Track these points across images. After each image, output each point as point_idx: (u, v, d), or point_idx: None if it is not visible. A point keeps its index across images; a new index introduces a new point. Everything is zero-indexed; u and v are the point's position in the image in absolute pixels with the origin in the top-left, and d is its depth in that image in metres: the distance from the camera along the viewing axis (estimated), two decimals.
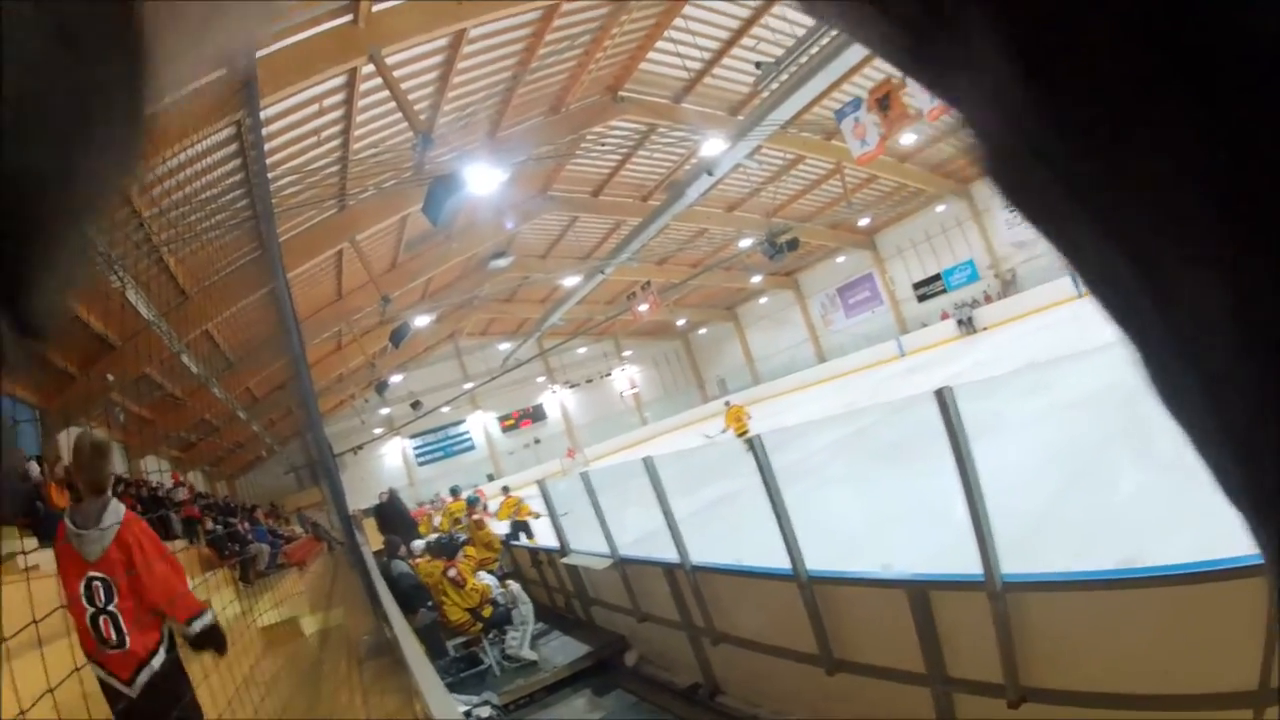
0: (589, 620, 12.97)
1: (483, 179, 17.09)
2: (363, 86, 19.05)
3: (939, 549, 5.89)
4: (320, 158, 21.21)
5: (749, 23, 25.52)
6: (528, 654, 11.82)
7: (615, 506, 10.94)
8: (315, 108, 19.04)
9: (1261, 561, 0.34)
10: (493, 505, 23.82)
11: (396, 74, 18.17)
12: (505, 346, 53.98)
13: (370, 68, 17.38)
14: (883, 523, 9.48)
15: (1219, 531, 3.63)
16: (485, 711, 9.94)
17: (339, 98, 19.34)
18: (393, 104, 18.49)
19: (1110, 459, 9.43)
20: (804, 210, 43.34)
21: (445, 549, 13.73)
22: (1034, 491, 8.54)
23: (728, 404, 27.41)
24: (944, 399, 4.98)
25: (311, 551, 22.84)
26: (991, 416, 10.52)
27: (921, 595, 5.70)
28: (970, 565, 5.17)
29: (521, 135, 25.89)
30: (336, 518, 20.51)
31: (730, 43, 26.41)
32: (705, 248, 45.81)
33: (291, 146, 19.73)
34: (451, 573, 12.10)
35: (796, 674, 7.38)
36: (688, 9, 24.62)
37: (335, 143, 21.15)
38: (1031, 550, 5.87)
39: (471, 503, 19.79)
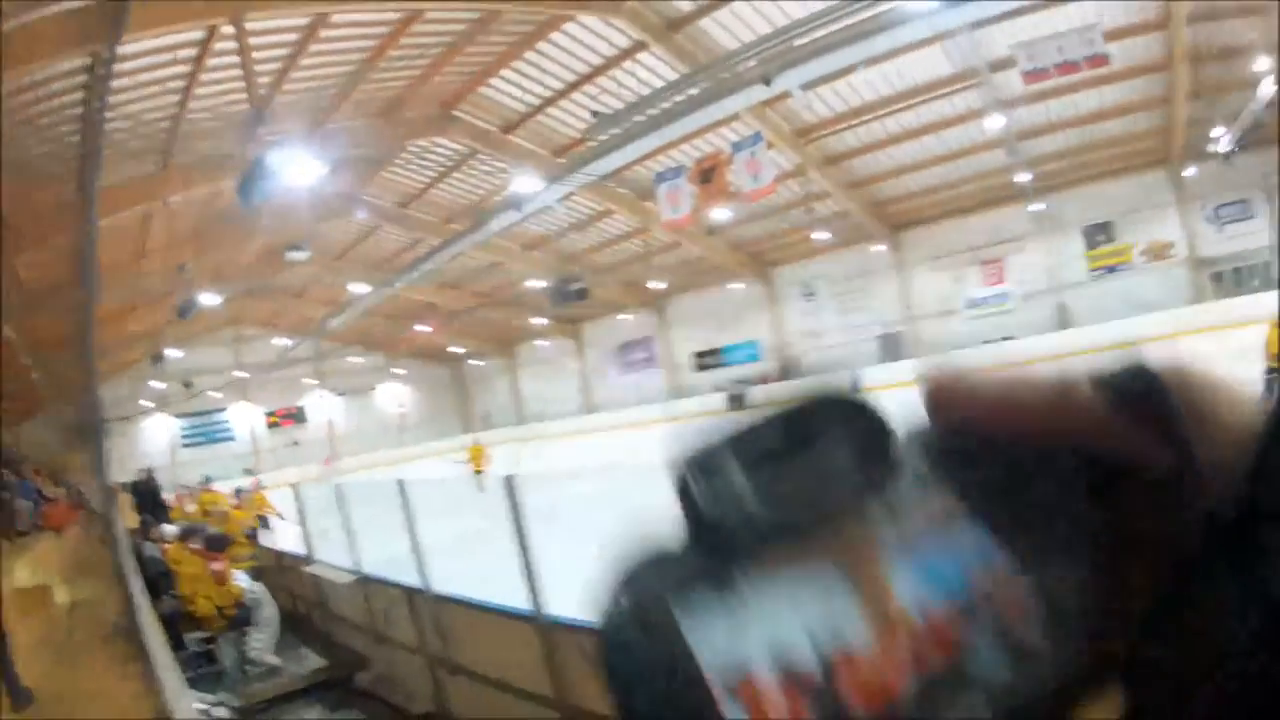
0: (328, 633, 12.77)
1: (301, 168, 17.00)
2: (218, 45, 18.70)
3: None
4: (156, 110, 20.67)
5: (598, 71, 26.12)
6: (270, 659, 11.55)
7: (365, 523, 10.96)
8: (170, 56, 18.60)
9: None
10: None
11: (253, 41, 18.17)
12: (284, 342, 52.29)
13: (230, 29, 17.29)
14: None
15: None
16: (222, 713, 9.74)
17: (192, 52, 18.91)
18: (239, 72, 18.28)
19: None
20: (600, 263, 44.00)
21: (213, 541, 13.36)
22: None
23: (476, 440, 27.63)
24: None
25: (70, 518, 21.71)
26: None
27: None
28: None
29: (349, 132, 25.77)
30: (98, 486, 19.69)
31: (573, 86, 26.95)
32: (496, 281, 46.09)
33: (132, 91, 19.08)
34: (217, 566, 11.57)
35: (532, 716, 7.44)
36: (543, 44, 25.11)
37: (175, 98, 20.63)
38: None
39: (238, 494, 19.47)
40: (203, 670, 11.38)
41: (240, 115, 20.13)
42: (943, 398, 0.47)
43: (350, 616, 11.50)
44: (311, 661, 11.80)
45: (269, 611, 11.86)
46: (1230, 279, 36.39)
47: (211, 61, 19.37)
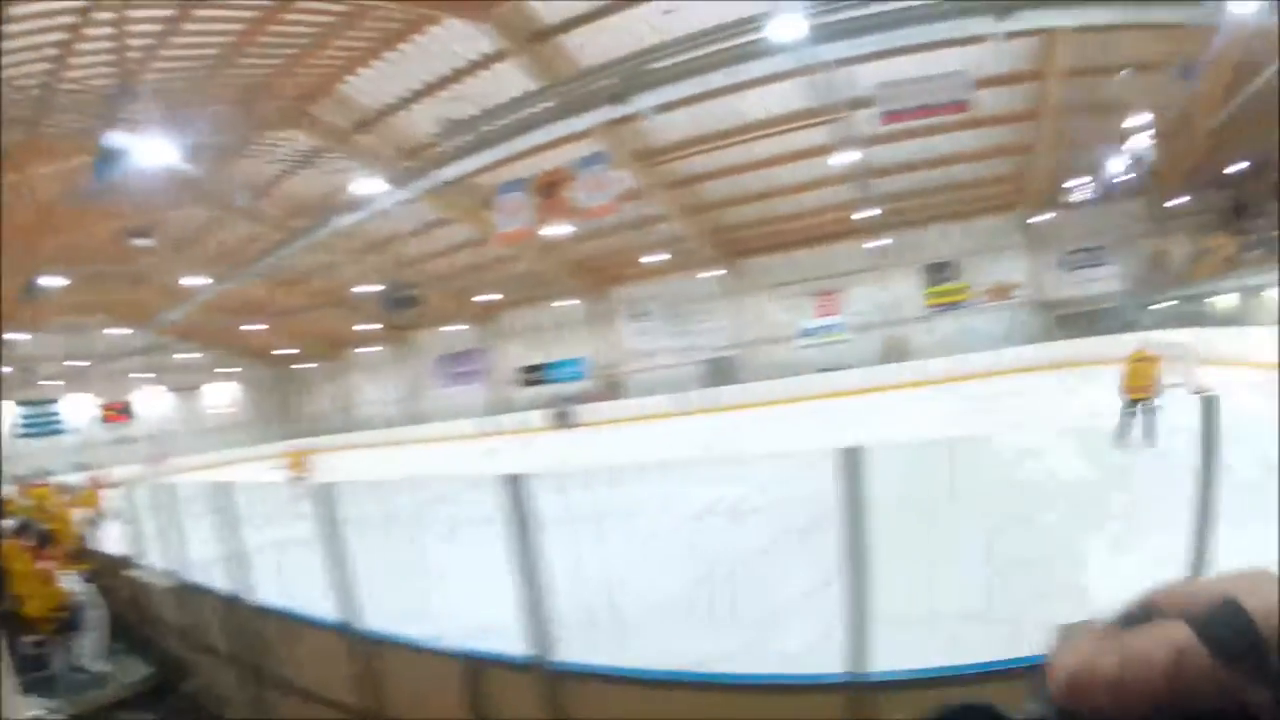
0: (153, 639, 12.00)
1: (156, 150, 16.51)
2: (100, 15, 17.88)
3: (492, 626, 5.71)
4: (31, 76, 19.71)
5: (455, 77, 25.52)
6: (100, 665, 10.78)
7: (190, 526, 10.45)
8: (49, 20, 17.87)
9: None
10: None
11: (130, 13, 17.47)
12: (121, 332, 49.98)
13: None
14: (440, 592, 9.27)
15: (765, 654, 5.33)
16: None
17: (71, 19, 18.08)
18: (114, 43, 17.03)
19: (675, 563, 10.20)
20: (435, 271, 43.62)
21: (42, 538, 12.20)
22: (591, 586, 8.35)
23: (299, 448, 26.67)
24: (517, 485, 5.13)
25: None
26: (563, 509, 10.61)
27: (475, 670, 5.72)
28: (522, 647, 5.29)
29: (206, 119, 24.25)
30: None
31: (429, 89, 26.28)
32: (331, 282, 44.91)
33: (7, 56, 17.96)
34: (43, 565, 10.86)
35: None
36: (406, 45, 24.43)
37: (49, 66, 19.69)
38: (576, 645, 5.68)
39: (65, 490, 18.22)
40: (34, 675, 10.50)
41: (108, 90, 18.85)
42: (1074, 690, 0.55)
43: (175, 622, 11.03)
44: (138, 670, 11.03)
45: (97, 615, 11.14)
46: (1077, 321, 37.99)
47: (89, 30, 18.55)
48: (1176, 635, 0.53)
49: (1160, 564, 5.16)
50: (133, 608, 12.64)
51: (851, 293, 42.09)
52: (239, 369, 61.67)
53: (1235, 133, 28.30)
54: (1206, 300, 32.16)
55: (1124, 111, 26.21)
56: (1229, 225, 33.87)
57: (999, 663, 4.13)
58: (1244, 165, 31.86)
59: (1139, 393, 14.98)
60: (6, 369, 46.45)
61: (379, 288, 36.30)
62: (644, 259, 39.99)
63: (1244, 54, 22.62)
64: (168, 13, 19.36)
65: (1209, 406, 3.97)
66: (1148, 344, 16.38)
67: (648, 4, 22.26)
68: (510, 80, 24.63)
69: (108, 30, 17.86)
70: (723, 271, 43.11)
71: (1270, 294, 26.40)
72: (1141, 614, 0.59)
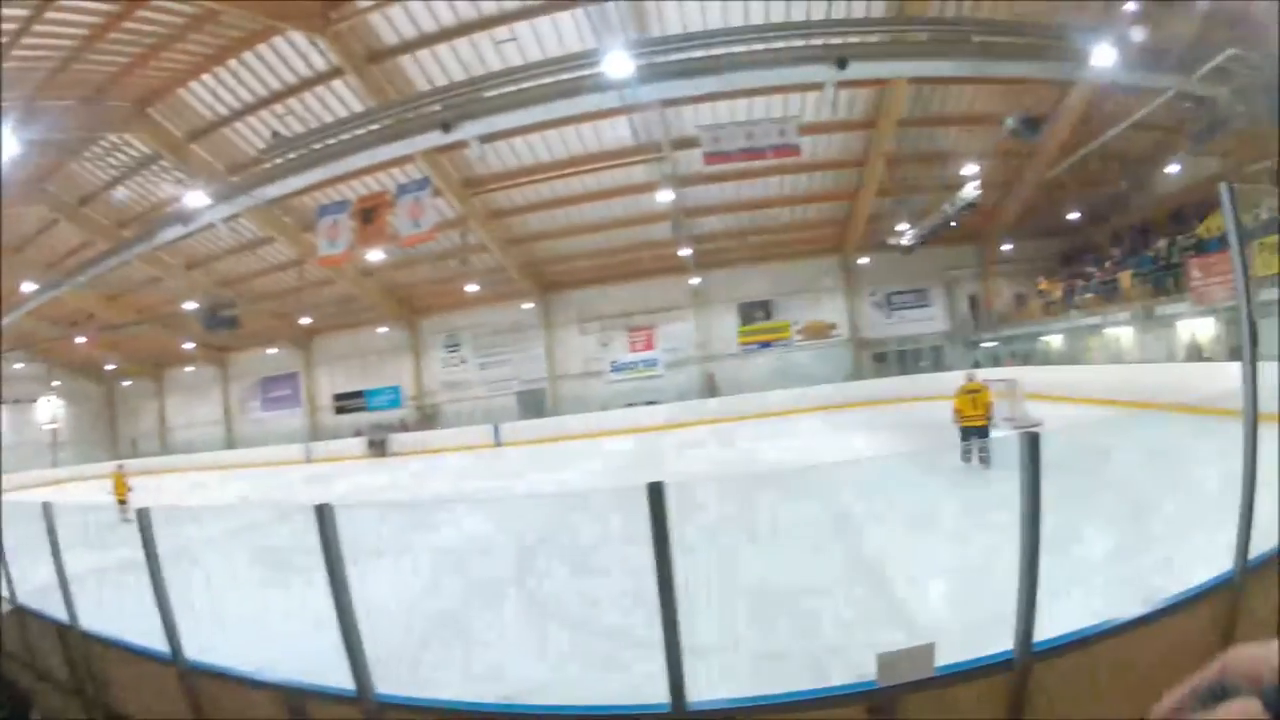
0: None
1: (5, 142, 16.04)
2: None
3: (321, 658, 5.40)
4: None
5: (290, 91, 25.33)
6: None
7: (19, 548, 9.89)
8: None
9: None
10: None
11: None
12: None
13: None
14: (261, 623, 9.14)
15: (601, 680, 5.67)
16: None
17: None
18: None
19: (492, 602, 9.91)
20: (254, 291, 42.77)
21: None
22: (414, 619, 8.72)
23: (120, 467, 25.76)
24: (324, 515, 4.97)
25: None
26: (379, 539, 10.79)
27: (298, 701, 5.56)
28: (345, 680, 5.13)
29: (50, 113, 23.84)
30: None
31: (264, 103, 26.01)
32: (154, 297, 43.56)
33: None
34: None
35: None
36: (247, 55, 24.20)
37: None
38: (403, 677, 5.80)
39: None
40: None
41: None
42: None
43: (15, 651, 10.28)
44: None
45: None
46: (895, 360, 39.82)
47: None
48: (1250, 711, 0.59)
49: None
50: None
51: (666, 329, 42.65)
52: (61, 383, 59.11)
53: (1071, 185, 29.50)
54: (1040, 340, 33.55)
55: (954, 160, 26.99)
56: (1056, 271, 35.25)
57: (812, 691, 4.29)
58: (1076, 215, 33.13)
59: (971, 420, 15.90)
60: None
61: (199, 305, 35.34)
62: (459, 288, 39.67)
63: (1089, 109, 23.67)
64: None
65: (1031, 442, 4.02)
66: (973, 377, 16.98)
67: (484, 32, 22.41)
68: (345, 98, 24.90)
69: None
70: (536, 304, 43.46)
71: (1110, 334, 27.94)
72: (1216, 688, 0.67)
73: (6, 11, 18.62)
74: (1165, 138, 24.13)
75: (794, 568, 9.01)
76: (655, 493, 4.07)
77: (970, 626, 5.20)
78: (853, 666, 4.39)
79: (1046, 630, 4.12)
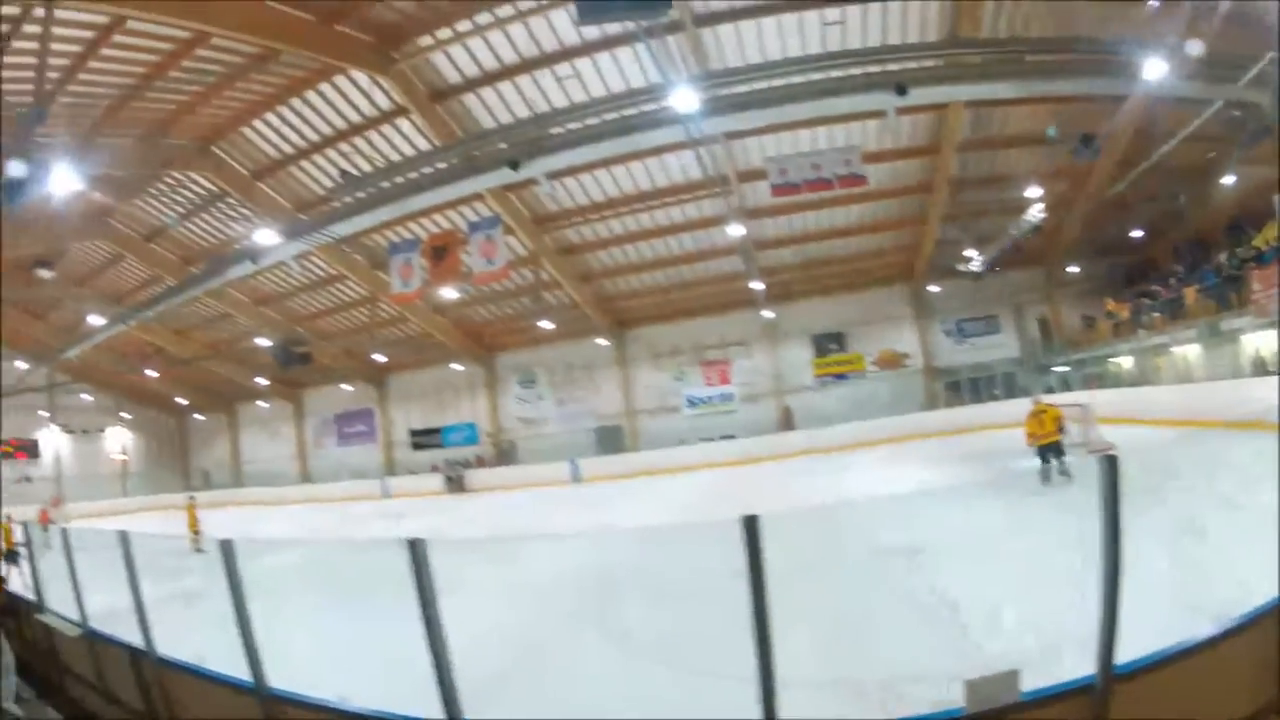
0: (61, 686, 11.41)
1: (64, 178, 15.90)
2: (27, 28, 17.53)
3: (400, 691, 5.51)
4: None
5: (355, 130, 25.48)
6: (12, 708, 10.30)
7: (91, 573, 10.01)
8: None
9: None
10: None
11: (56, 30, 16.85)
12: (20, 365, 48.46)
13: (41, 11, 15.94)
14: (342, 653, 9.31)
15: (682, 713, 5.63)
16: None
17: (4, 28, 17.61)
18: (35, 59, 16.63)
19: (576, 639, 9.84)
20: (328, 328, 43.38)
21: None
22: (496, 652, 8.67)
23: (192, 498, 26.12)
24: (416, 550, 4.96)
25: None
26: (461, 573, 10.63)
27: None
28: (430, 711, 5.08)
29: (112, 150, 24.36)
30: None
31: (329, 141, 26.28)
32: (225, 333, 44.34)
33: None
34: None
35: None
36: (310, 94, 24.42)
37: None
38: (488, 708, 5.64)
39: None
40: None
41: (23, 109, 18.32)
42: None
43: (82, 672, 10.51)
44: (49, 715, 10.52)
45: (7, 659, 10.58)
46: (967, 388, 38.75)
47: (17, 43, 18.08)
48: None
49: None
50: (38, 653, 12.40)
51: (741, 363, 42.32)
52: (132, 415, 59.81)
53: (1131, 201, 29.09)
54: (1110, 362, 32.99)
55: (1017, 183, 26.75)
56: (1122, 291, 34.67)
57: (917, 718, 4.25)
58: (1138, 233, 32.65)
59: (1044, 439, 16.45)
60: None
61: (272, 342, 35.69)
62: (533, 325, 39.63)
63: (1142, 125, 23.36)
64: (87, 34, 19.20)
65: (1109, 466, 4.00)
66: (1039, 401, 17.61)
67: (546, 68, 22.56)
68: (411, 137, 25.02)
69: (32, 44, 17.31)
70: (611, 340, 43.24)
71: (1178, 352, 27.44)
72: None
73: (60, 46, 18.84)
74: (1215, 148, 23.72)
75: (870, 599, 9.07)
76: (750, 526, 4.08)
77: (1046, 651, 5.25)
78: (930, 695, 4.40)
79: (1124, 653, 4.08)
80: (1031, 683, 4.06)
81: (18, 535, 17.96)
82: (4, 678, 10.32)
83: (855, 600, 8.98)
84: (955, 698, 4.00)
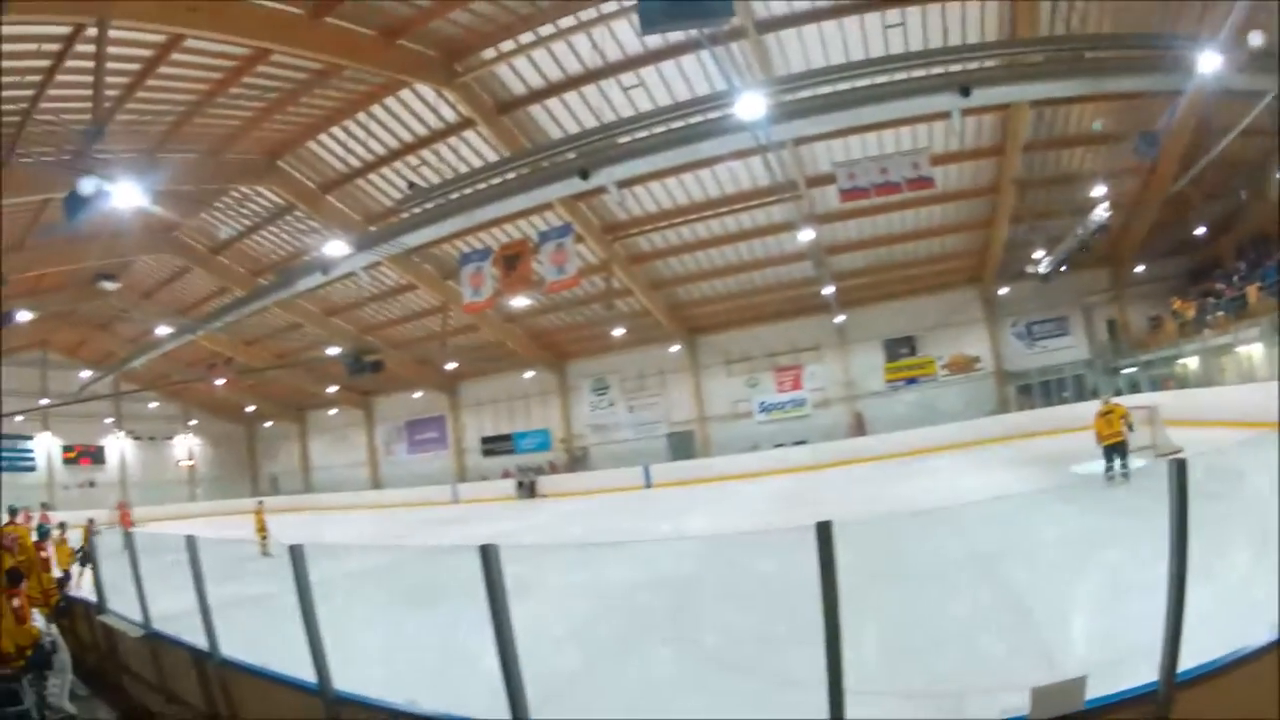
0: (119, 685, 11.58)
1: (127, 193, 16.13)
2: (79, 48, 17.78)
3: (465, 694, 5.50)
4: (9, 101, 19.13)
5: (422, 143, 25.72)
6: (68, 706, 10.18)
7: (154, 576, 10.19)
8: (35, 46, 17.74)
9: None
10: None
11: (111, 50, 16.98)
12: (87, 374, 49.30)
13: (93, 30, 16.21)
14: (409, 657, 9.32)
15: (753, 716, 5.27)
16: None
17: (55, 47, 17.98)
18: (92, 77, 16.99)
19: (646, 645, 9.85)
20: (398, 337, 43.89)
21: (10, 574, 12.14)
22: (564, 658, 8.75)
23: (260, 504, 26.55)
24: (489, 555, 4.96)
25: None
26: (531, 580, 10.70)
27: None
28: (497, 715, 5.06)
29: (176, 165, 24.60)
30: None
31: (396, 154, 26.58)
32: (294, 343, 44.98)
33: None
34: (16, 603, 10.59)
35: None
36: (376, 108, 24.63)
37: (29, 92, 19.37)
38: (555, 715, 5.77)
39: (43, 534, 17.95)
40: (6, 709, 9.94)
41: (82, 126, 18.70)
42: None
43: (141, 671, 10.74)
44: (103, 714, 10.67)
45: (64, 657, 10.53)
46: (1038, 391, 38.34)
47: (70, 63, 18.42)
48: None
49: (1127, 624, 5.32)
50: (97, 653, 12.50)
51: (812, 368, 42.07)
52: (200, 423, 61.11)
53: (1193, 199, 28.76)
54: (1177, 363, 32.59)
55: (1082, 183, 26.53)
56: (1187, 290, 34.22)
57: None
58: (1201, 230, 32.20)
59: (1111, 439, 17.14)
60: None
61: (342, 350, 36.15)
62: (605, 332, 39.71)
63: (1201, 119, 23.09)
64: (147, 53, 19.44)
65: (1178, 468, 4.02)
66: (1109, 400, 18.48)
67: (612, 78, 22.62)
68: (478, 148, 25.25)
69: (89, 63, 17.62)
70: (682, 346, 43.33)
71: (1242, 351, 26.95)
72: None
73: (118, 66, 18.99)
74: (1271, 141, 23.33)
75: (939, 606, 9.02)
76: (823, 532, 4.09)
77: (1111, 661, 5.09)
78: (998, 704, 4.33)
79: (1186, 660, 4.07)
80: (1098, 690, 4.07)
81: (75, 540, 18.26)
82: (62, 676, 10.54)
83: (924, 607, 8.93)
84: (1021, 704, 4.01)
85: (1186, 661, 4.07)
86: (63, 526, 22.25)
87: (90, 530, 19.05)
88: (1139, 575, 5.36)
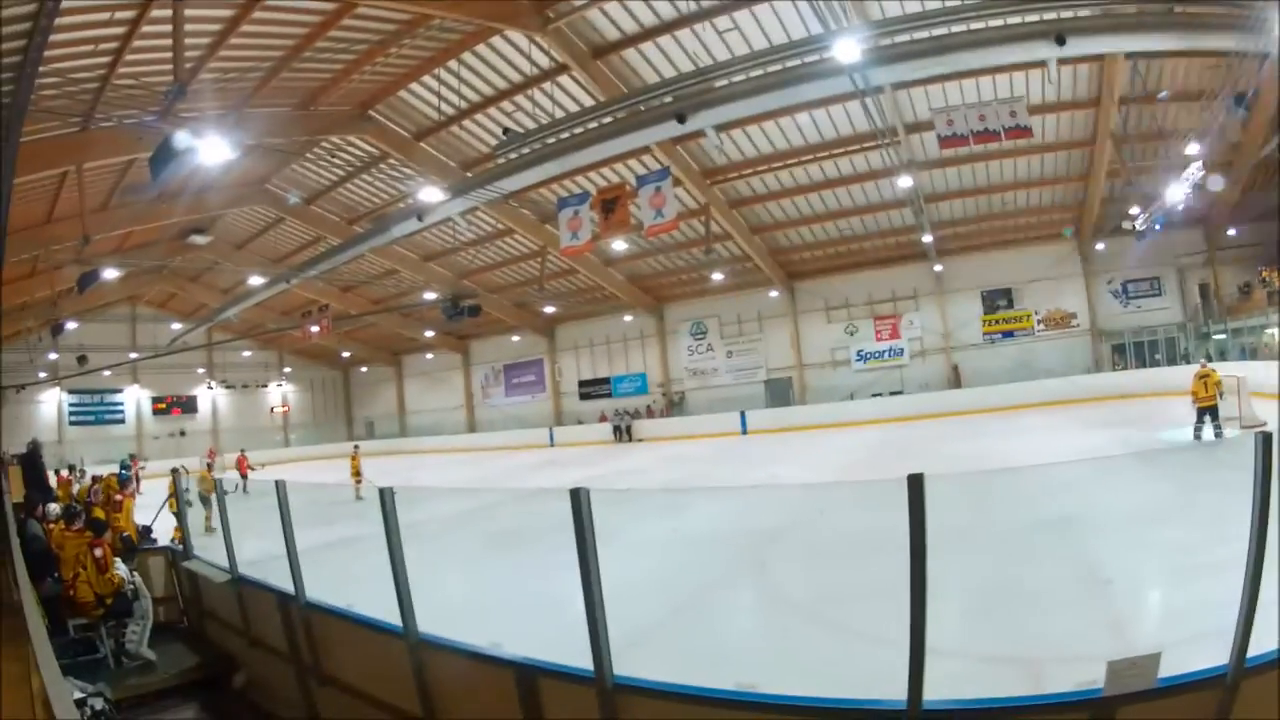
0: (201, 631, 12.02)
1: (213, 149, 16.46)
2: (154, 12, 17.89)
3: (548, 638, 5.66)
4: (86, 69, 19.59)
5: (516, 89, 25.84)
6: (146, 652, 10.74)
7: (240, 522, 10.39)
8: (108, 15, 17.75)
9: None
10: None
11: (188, 13, 17.52)
12: (177, 326, 50.45)
13: None
14: (494, 601, 9.54)
15: (831, 674, 4.87)
16: (98, 704, 8.50)
17: (130, 14, 18.03)
18: (170, 40, 17.41)
19: (727, 591, 9.91)
20: (495, 282, 44.39)
21: (94, 524, 12.48)
22: (649, 604, 8.70)
23: (356, 448, 27.11)
24: (578, 498, 4.98)
25: None
26: (619, 525, 10.71)
27: (530, 680, 5.61)
28: (579, 660, 5.15)
29: (265, 119, 24.97)
30: None
31: (490, 101, 26.72)
32: (390, 289, 45.36)
33: (66, 48, 18.05)
34: (99, 552, 10.76)
35: None
36: (467, 55, 24.79)
37: (106, 59, 19.57)
38: (639, 659, 5.58)
39: (123, 482, 18.32)
40: (81, 658, 10.68)
41: (164, 87, 19.08)
42: None
43: (223, 616, 11.01)
44: (185, 659, 10.99)
45: (145, 604, 11.14)
46: (1132, 352, 37.79)
47: (146, 28, 18.52)
48: None
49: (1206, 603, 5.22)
50: (181, 599, 12.88)
51: (910, 317, 41.70)
52: (294, 370, 62.55)
53: None
54: (1266, 332, 31.94)
55: (1178, 140, 26.06)
56: (1277, 259, 33.45)
57: (1038, 698, 4.31)
58: None
59: (1205, 401, 18.24)
60: (57, 356, 46.99)
61: (440, 295, 36.61)
62: (703, 277, 40.27)
63: None
64: (228, 12, 19.60)
65: (1264, 442, 3.90)
66: (1205, 365, 19.29)
67: (704, 22, 22.59)
68: (574, 93, 25.45)
69: (166, 27, 17.94)
70: (779, 292, 43.16)
71: None
72: None
73: (198, 26, 19.19)
74: None
75: (1021, 570, 9.00)
76: (915, 485, 4.01)
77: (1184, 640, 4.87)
78: (1074, 676, 4.22)
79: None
80: (1169, 669, 4.03)
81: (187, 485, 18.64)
82: (143, 623, 10.83)
83: (1006, 569, 8.95)
84: (1097, 678, 3.99)
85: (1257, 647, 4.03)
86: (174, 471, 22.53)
87: (176, 477, 19.60)
88: (1217, 553, 5.31)
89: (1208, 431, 17.98)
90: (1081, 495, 10.80)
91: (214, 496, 15.11)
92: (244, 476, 27.94)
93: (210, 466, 32.45)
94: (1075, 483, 11.36)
